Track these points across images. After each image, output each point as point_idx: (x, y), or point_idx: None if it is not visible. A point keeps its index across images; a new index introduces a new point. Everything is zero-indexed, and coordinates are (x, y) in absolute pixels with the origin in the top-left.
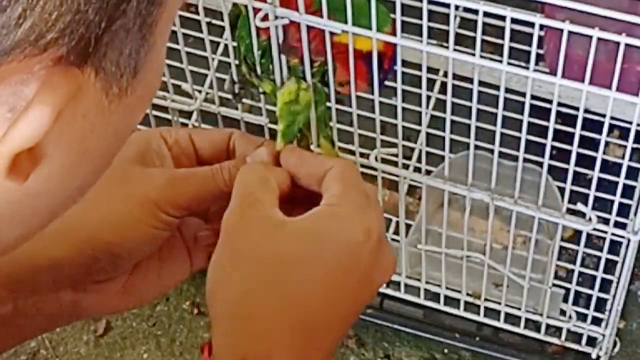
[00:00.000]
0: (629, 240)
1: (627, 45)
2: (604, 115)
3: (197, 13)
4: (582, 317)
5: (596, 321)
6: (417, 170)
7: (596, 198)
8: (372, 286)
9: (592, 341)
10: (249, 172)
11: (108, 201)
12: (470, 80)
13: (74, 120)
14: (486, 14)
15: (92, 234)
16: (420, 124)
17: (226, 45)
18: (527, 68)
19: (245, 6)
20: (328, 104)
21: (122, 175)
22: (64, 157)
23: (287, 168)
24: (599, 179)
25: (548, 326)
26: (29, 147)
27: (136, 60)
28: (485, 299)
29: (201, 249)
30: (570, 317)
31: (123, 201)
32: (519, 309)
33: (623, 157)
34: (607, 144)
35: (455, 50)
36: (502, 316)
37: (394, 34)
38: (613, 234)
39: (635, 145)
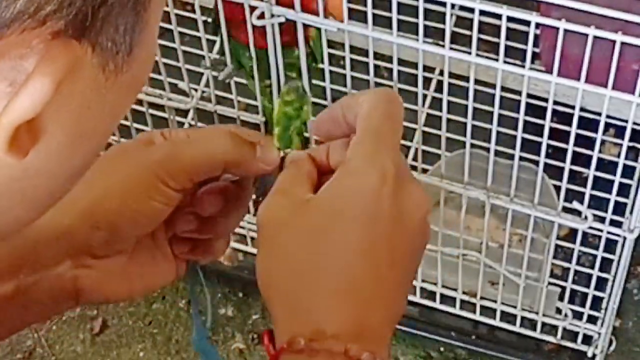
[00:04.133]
0: (624, 239)
1: (622, 43)
2: (599, 114)
3: (194, 11)
4: (577, 316)
5: (592, 319)
6: (414, 168)
7: (592, 196)
8: (408, 226)
9: (587, 339)
10: (285, 172)
11: (111, 172)
12: (466, 79)
13: (71, 97)
14: (482, 13)
15: (94, 202)
16: (416, 123)
17: (222, 44)
18: (523, 66)
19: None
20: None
21: (126, 149)
22: (62, 134)
23: (337, 128)
24: (595, 177)
25: (544, 324)
26: (29, 118)
27: (131, 36)
28: (481, 297)
29: (177, 256)
30: (566, 315)
31: (125, 172)
32: (515, 307)
33: (619, 156)
34: (602, 142)
35: (451, 48)
36: (498, 314)
37: None
38: (609, 233)
39: (631, 144)
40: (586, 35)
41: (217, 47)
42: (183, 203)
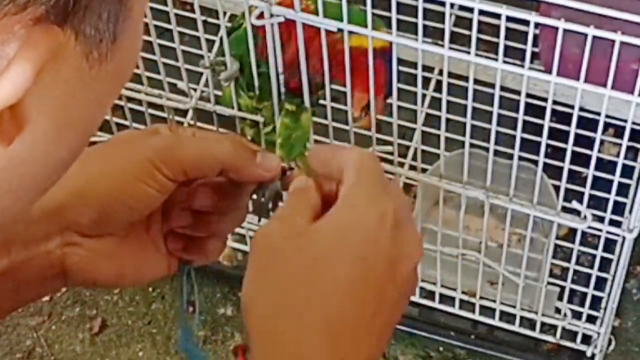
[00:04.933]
0: (624, 239)
1: (622, 43)
2: (599, 114)
3: (193, 11)
4: (577, 315)
5: (591, 319)
6: (413, 168)
7: (591, 196)
8: (399, 275)
9: (587, 339)
10: (291, 197)
11: (109, 154)
12: (466, 79)
13: (55, 85)
14: (481, 12)
15: (87, 181)
16: (415, 122)
17: (221, 44)
18: (522, 66)
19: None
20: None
21: (132, 134)
22: (47, 123)
23: (313, 172)
24: (594, 177)
25: (543, 324)
26: (11, 104)
27: (115, 25)
28: (481, 297)
29: (170, 252)
30: (565, 315)
31: (122, 156)
32: (514, 307)
33: (618, 156)
34: (602, 142)
35: (450, 48)
36: (497, 314)
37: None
38: (608, 232)
39: (630, 144)
40: (585, 35)
41: (215, 47)
42: (179, 198)
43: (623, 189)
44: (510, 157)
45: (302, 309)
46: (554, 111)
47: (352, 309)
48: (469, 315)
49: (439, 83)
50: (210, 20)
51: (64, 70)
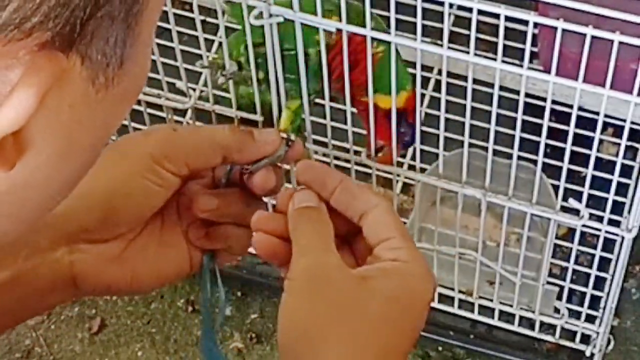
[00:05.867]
0: (622, 238)
1: (620, 43)
2: (597, 113)
3: (192, 11)
4: (576, 315)
5: (590, 319)
6: (412, 168)
7: (590, 196)
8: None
9: (586, 339)
10: (313, 217)
11: (109, 155)
12: (465, 78)
13: (60, 110)
14: (480, 12)
15: (90, 184)
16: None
17: (220, 44)
18: (521, 66)
19: None
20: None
21: (126, 136)
22: (52, 148)
23: (325, 191)
24: (593, 176)
25: (542, 324)
26: (14, 130)
27: (122, 50)
28: (480, 297)
29: (193, 245)
30: (564, 314)
31: (122, 154)
32: (513, 306)
33: (617, 155)
34: (601, 141)
35: (449, 48)
36: (496, 314)
37: (413, 92)
38: (607, 232)
39: (629, 143)
40: (584, 34)
41: (214, 47)
42: (206, 183)
43: (622, 189)
44: (510, 156)
45: (361, 344)
46: (553, 111)
47: None
48: (468, 314)
49: (437, 83)
50: (209, 19)
51: (69, 95)
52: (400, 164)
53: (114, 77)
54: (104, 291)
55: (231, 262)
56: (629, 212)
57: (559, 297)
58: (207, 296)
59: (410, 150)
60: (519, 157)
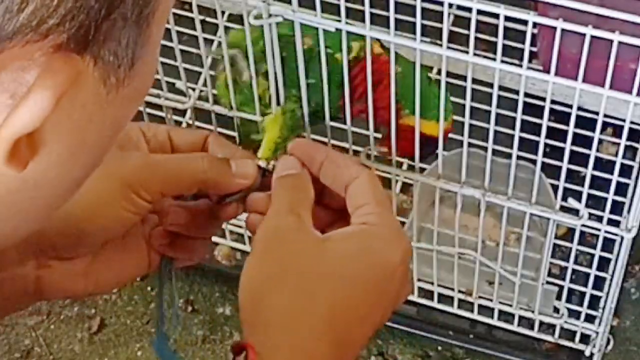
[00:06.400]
0: (622, 238)
1: (620, 43)
2: (597, 113)
3: (191, 11)
4: (575, 315)
5: (589, 318)
6: (411, 168)
7: (590, 196)
8: (395, 306)
9: (585, 338)
10: (289, 183)
11: None
12: (464, 78)
13: (72, 110)
14: (480, 12)
15: (64, 208)
16: None
17: (220, 43)
18: (521, 66)
19: None
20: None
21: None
22: (63, 147)
23: (314, 165)
24: (593, 176)
25: (541, 323)
26: (29, 131)
27: (133, 50)
28: (479, 297)
29: (154, 249)
30: (563, 314)
31: (98, 180)
32: (512, 306)
33: (616, 155)
34: (600, 141)
35: (448, 48)
36: (496, 313)
37: (452, 123)
38: (606, 232)
39: (629, 143)
40: (584, 34)
41: (214, 47)
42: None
43: (621, 189)
44: (509, 156)
45: (316, 317)
46: (552, 110)
47: (359, 329)
48: (468, 314)
49: (437, 83)
50: (208, 19)
51: (82, 95)
52: (399, 164)
53: (125, 78)
54: (63, 297)
55: (187, 264)
56: (629, 211)
57: (559, 297)
58: (162, 299)
59: None
60: (519, 157)
